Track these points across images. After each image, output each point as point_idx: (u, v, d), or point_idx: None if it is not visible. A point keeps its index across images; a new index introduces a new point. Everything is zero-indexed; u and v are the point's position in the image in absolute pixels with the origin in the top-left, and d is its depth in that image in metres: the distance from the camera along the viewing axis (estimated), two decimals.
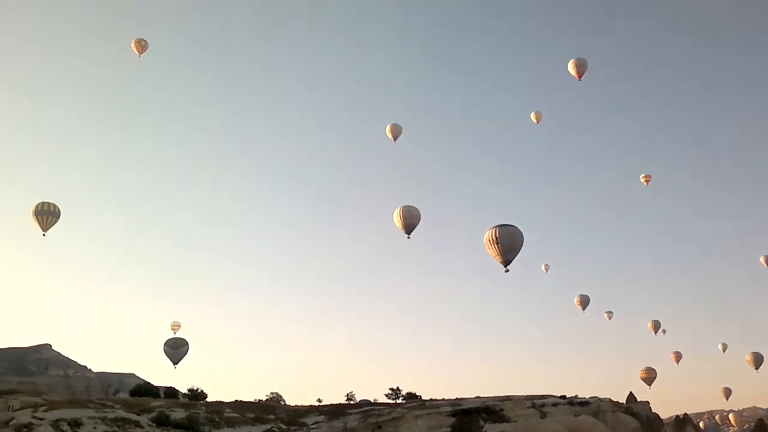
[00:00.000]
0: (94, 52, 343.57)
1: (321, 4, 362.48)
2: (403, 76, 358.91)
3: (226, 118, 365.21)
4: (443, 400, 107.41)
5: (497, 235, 78.28)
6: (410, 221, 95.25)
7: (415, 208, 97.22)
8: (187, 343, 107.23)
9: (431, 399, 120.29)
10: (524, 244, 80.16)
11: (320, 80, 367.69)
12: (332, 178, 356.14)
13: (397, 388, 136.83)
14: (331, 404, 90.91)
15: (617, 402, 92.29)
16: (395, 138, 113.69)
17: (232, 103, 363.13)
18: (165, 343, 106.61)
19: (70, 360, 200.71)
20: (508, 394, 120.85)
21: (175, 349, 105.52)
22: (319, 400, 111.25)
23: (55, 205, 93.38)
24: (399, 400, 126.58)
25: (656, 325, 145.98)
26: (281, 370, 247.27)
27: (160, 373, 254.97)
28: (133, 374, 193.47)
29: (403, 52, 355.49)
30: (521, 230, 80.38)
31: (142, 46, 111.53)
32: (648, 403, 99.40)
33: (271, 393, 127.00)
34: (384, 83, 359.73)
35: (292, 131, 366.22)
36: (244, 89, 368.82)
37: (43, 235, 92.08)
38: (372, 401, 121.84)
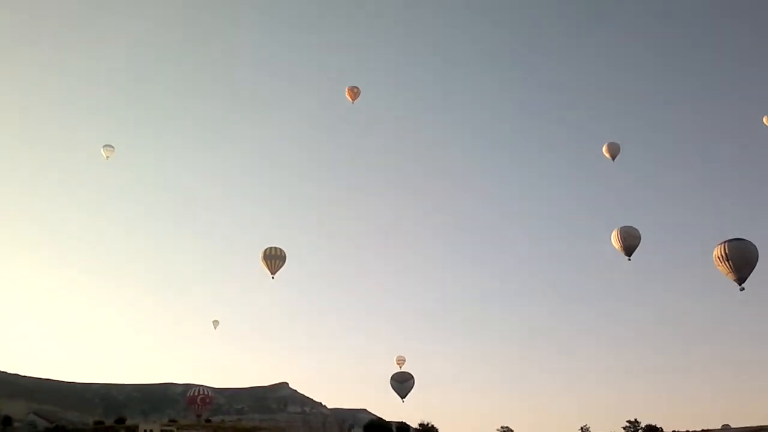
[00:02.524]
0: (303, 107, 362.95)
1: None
2: (623, 89, 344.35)
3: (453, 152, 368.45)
4: None
5: (727, 251, 72.33)
6: (630, 242, 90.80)
7: (635, 229, 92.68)
8: (412, 377, 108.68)
9: (673, 431, 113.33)
10: (759, 258, 73.35)
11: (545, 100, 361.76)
12: (552, 198, 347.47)
13: (635, 420, 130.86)
14: None
15: None
16: (613, 157, 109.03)
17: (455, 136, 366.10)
18: (392, 378, 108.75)
19: (306, 397, 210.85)
20: (762, 423, 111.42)
21: (402, 383, 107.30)
22: None
23: (281, 250, 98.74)
24: None
25: None
26: (510, 402, 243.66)
27: (390, 408, 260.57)
28: (365, 410, 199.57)
29: (617, 60, 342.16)
30: (755, 244, 73.82)
31: (354, 92, 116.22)
32: None
33: (502, 427, 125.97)
34: (601, 98, 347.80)
35: (513, 154, 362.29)
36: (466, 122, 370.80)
37: (272, 278, 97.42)
38: None
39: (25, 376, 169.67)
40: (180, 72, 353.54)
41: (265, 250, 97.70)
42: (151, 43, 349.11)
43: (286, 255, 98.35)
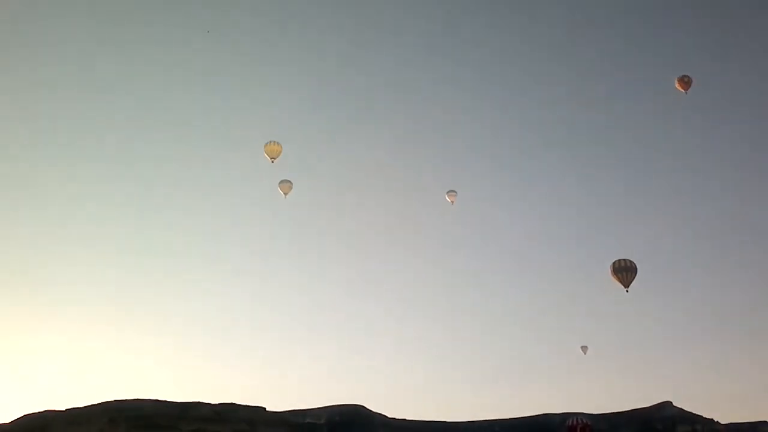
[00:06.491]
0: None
1: None
2: None
3: None
4: None
5: None
6: None
7: None
8: None
9: None
10: None
11: None
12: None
13: None
14: None
15: None
16: None
17: None
18: None
19: (696, 415, 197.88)
20: None
21: None
22: None
23: (631, 261, 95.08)
24: None
25: None
26: None
27: None
28: (765, 421, 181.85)
29: None
30: None
31: (685, 82, 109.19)
32: None
33: None
34: None
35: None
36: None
37: (626, 291, 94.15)
38: None
39: (393, 418, 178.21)
40: None
41: (614, 263, 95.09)
42: None
43: (636, 266, 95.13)
